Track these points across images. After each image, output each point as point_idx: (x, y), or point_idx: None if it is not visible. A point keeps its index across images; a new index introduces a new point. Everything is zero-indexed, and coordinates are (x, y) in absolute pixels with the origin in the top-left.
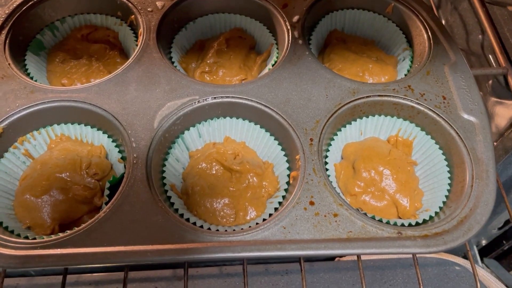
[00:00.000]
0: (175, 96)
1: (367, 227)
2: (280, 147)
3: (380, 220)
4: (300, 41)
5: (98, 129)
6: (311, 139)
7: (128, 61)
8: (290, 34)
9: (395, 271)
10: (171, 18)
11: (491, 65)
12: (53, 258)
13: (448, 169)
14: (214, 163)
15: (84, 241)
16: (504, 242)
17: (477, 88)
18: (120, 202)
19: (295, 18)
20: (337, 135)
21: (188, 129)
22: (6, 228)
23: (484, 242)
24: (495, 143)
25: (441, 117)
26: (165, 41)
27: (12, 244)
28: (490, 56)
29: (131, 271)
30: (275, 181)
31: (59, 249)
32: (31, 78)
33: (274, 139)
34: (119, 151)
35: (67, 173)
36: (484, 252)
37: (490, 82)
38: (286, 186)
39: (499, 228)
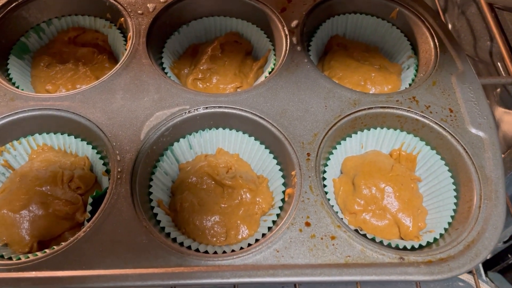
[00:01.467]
0: (164, 105)
1: (366, 251)
2: (275, 161)
3: (381, 243)
4: (299, 48)
5: (82, 140)
6: (308, 154)
7: (115, 67)
8: (288, 40)
9: (396, 285)
10: (163, 21)
11: (499, 73)
12: (27, 282)
13: (454, 187)
14: (205, 177)
15: (61, 263)
16: (509, 255)
17: (486, 100)
18: (101, 221)
19: (294, 23)
20: (336, 148)
21: (178, 141)
22: None
23: (488, 256)
24: (502, 155)
25: (447, 131)
26: (156, 46)
27: None
28: (498, 63)
29: None
30: (270, 197)
31: (34, 272)
32: (13, 83)
33: (270, 152)
34: (104, 163)
35: (48, 187)
36: (488, 266)
37: (498, 90)
38: (281, 204)
39: (505, 242)
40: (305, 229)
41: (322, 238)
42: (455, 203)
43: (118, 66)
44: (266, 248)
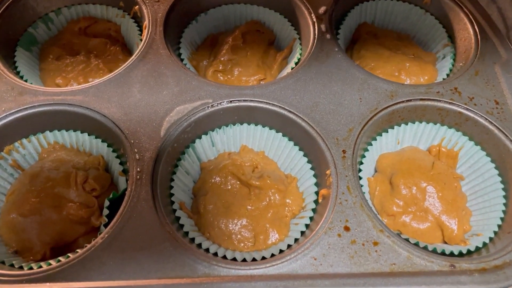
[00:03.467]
0: (185, 99)
1: (413, 258)
2: (305, 159)
3: (426, 248)
4: (328, 36)
5: (96, 137)
6: (344, 151)
7: (131, 58)
8: (316, 27)
9: None
10: (180, 10)
11: None
12: None
13: (502, 186)
14: (229, 177)
15: (78, 273)
16: None
17: None
18: (120, 226)
19: (322, 9)
20: (371, 144)
21: (200, 138)
22: None
23: None
24: None
25: (494, 125)
26: (173, 36)
27: None
28: None
29: None
30: (300, 199)
31: (48, 283)
32: (21, 77)
33: (299, 150)
34: (121, 163)
35: (60, 189)
36: None
37: None
38: (313, 205)
39: None
40: (344, 234)
41: (363, 244)
42: (504, 204)
43: (134, 57)
44: (302, 255)
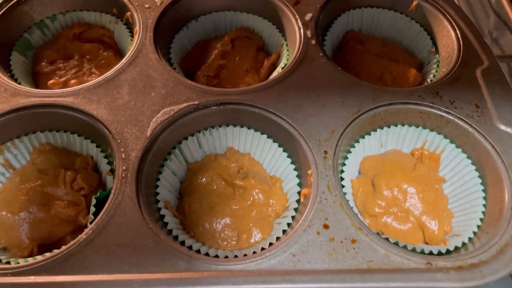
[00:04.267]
0: (171, 101)
1: (391, 256)
2: (289, 160)
3: (405, 247)
4: (313, 41)
5: (86, 138)
6: (325, 152)
7: (121, 62)
8: (302, 33)
9: None
10: (171, 16)
11: None
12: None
13: (482, 187)
14: (215, 178)
15: (62, 267)
16: None
17: None
18: (104, 222)
19: (308, 16)
20: (354, 147)
21: (187, 139)
22: None
23: None
24: None
25: (474, 128)
26: (163, 41)
27: None
28: None
29: None
30: (284, 199)
31: (32, 277)
32: (15, 80)
33: (283, 151)
34: (109, 163)
35: (49, 188)
36: None
37: None
38: (296, 205)
39: None
40: (323, 231)
41: (342, 242)
42: (484, 205)
43: (124, 60)
44: (282, 252)
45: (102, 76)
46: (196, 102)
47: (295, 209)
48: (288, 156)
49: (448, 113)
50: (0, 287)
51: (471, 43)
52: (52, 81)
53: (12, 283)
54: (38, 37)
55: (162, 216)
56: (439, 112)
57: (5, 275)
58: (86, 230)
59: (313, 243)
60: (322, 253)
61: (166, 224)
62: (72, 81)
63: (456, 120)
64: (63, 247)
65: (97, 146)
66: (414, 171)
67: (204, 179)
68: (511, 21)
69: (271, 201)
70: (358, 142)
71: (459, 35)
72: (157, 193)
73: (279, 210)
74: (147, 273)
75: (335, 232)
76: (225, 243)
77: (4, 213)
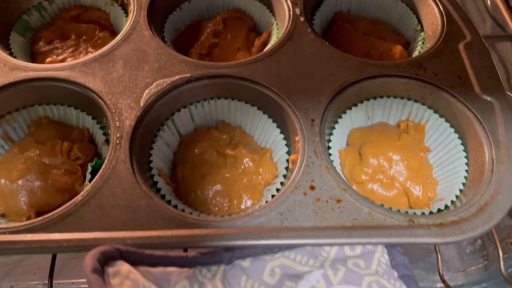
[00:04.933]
0: (164, 74)
1: (374, 214)
2: (279, 130)
3: (390, 209)
4: (302, 18)
5: (82, 111)
6: (313, 120)
7: (115, 39)
8: (291, 11)
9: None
10: None
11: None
12: (22, 244)
13: (465, 154)
14: (207, 148)
15: (58, 226)
16: None
17: (495, 67)
18: (99, 185)
19: None
20: (341, 117)
21: (179, 111)
22: None
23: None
24: None
25: (456, 97)
26: (157, 20)
27: None
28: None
29: None
30: (273, 168)
31: (30, 235)
32: (14, 58)
33: (273, 122)
34: (104, 134)
35: (47, 157)
36: None
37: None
38: (285, 172)
39: None
40: (309, 192)
41: (327, 201)
42: (466, 170)
43: (118, 37)
44: (270, 211)
45: (97, 52)
46: (188, 75)
47: (284, 176)
48: (277, 127)
49: (431, 84)
50: None
51: (454, 19)
52: (49, 59)
53: (10, 241)
54: (36, 19)
55: (155, 183)
56: (423, 83)
57: (4, 233)
58: (81, 192)
59: (299, 203)
60: (309, 212)
61: (159, 190)
62: (69, 59)
63: (439, 91)
64: (60, 208)
65: (92, 118)
66: (399, 140)
67: (197, 149)
68: (508, 25)
69: (261, 170)
70: (345, 113)
71: (443, 12)
72: (151, 161)
73: (268, 178)
74: (140, 230)
75: (321, 193)
76: (217, 208)
77: (3, 181)
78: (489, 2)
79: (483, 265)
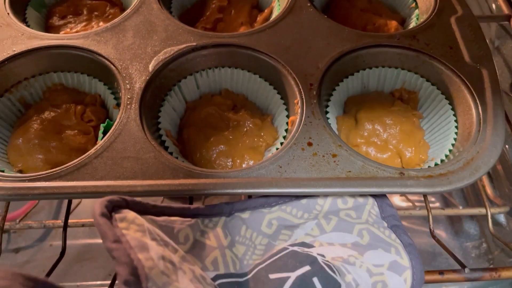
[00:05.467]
0: (172, 43)
1: (367, 167)
2: (279, 96)
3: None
4: None
5: (94, 78)
6: (311, 84)
7: (126, 11)
8: None
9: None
10: None
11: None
12: (41, 190)
13: (455, 118)
14: (211, 112)
15: (73, 175)
16: None
17: (484, 38)
18: (112, 140)
19: None
20: (338, 85)
21: (186, 78)
22: None
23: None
24: None
25: (447, 65)
26: None
27: None
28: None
29: None
30: (274, 131)
31: (47, 182)
32: None
33: (273, 88)
34: (115, 98)
35: (62, 119)
36: None
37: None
38: (284, 134)
39: None
40: (307, 148)
41: (323, 156)
42: (455, 133)
43: (129, 10)
44: (269, 164)
45: (109, 23)
46: (194, 44)
47: (284, 137)
48: (277, 93)
49: (424, 53)
50: (17, 190)
51: None
52: (63, 32)
53: (28, 187)
54: None
55: (163, 142)
56: (416, 53)
57: (23, 180)
58: (95, 146)
59: (297, 157)
60: (306, 165)
61: (166, 148)
62: (82, 33)
63: (431, 60)
64: (75, 160)
65: (104, 84)
66: (393, 106)
67: (202, 113)
68: (500, 7)
69: (262, 133)
70: (342, 81)
71: None
72: (159, 123)
73: (269, 141)
74: (149, 179)
75: (317, 148)
76: (220, 168)
77: (20, 140)
78: None
79: None
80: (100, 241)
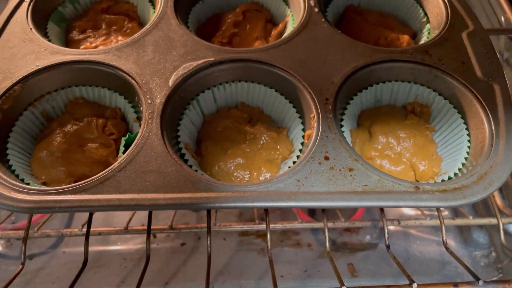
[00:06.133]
0: (190, 58)
1: (383, 181)
2: (294, 110)
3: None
4: (316, 9)
5: (114, 92)
6: (327, 99)
7: (145, 27)
8: (306, 2)
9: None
10: None
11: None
12: (66, 203)
13: (467, 132)
14: (228, 126)
15: (98, 188)
16: None
17: (495, 53)
18: (134, 154)
19: None
20: (353, 99)
21: (203, 92)
22: (22, 180)
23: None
24: None
25: (459, 80)
26: (182, 11)
27: (26, 190)
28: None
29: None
30: (290, 144)
31: (72, 195)
32: None
33: (289, 102)
34: (135, 112)
35: (84, 132)
36: None
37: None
38: (300, 147)
39: None
40: (324, 162)
41: (340, 170)
42: (468, 147)
43: (148, 25)
44: (287, 178)
45: (129, 38)
46: (212, 59)
47: (300, 151)
48: (293, 107)
49: (436, 68)
50: (43, 203)
51: (457, 10)
52: (83, 46)
53: (55, 200)
54: (70, 11)
55: (183, 155)
56: (429, 68)
57: (49, 194)
58: (118, 160)
59: (315, 171)
60: (323, 179)
61: (186, 161)
62: (101, 47)
63: (444, 75)
64: (99, 174)
65: (124, 98)
66: (406, 120)
67: (219, 127)
68: (509, 19)
69: (278, 146)
70: (356, 95)
71: (447, 4)
72: (178, 136)
73: (285, 153)
74: (171, 193)
75: (334, 162)
76: (238, 180)
77: (44, 153)
78: None
79: (498, 278)
80: (113, 248)
